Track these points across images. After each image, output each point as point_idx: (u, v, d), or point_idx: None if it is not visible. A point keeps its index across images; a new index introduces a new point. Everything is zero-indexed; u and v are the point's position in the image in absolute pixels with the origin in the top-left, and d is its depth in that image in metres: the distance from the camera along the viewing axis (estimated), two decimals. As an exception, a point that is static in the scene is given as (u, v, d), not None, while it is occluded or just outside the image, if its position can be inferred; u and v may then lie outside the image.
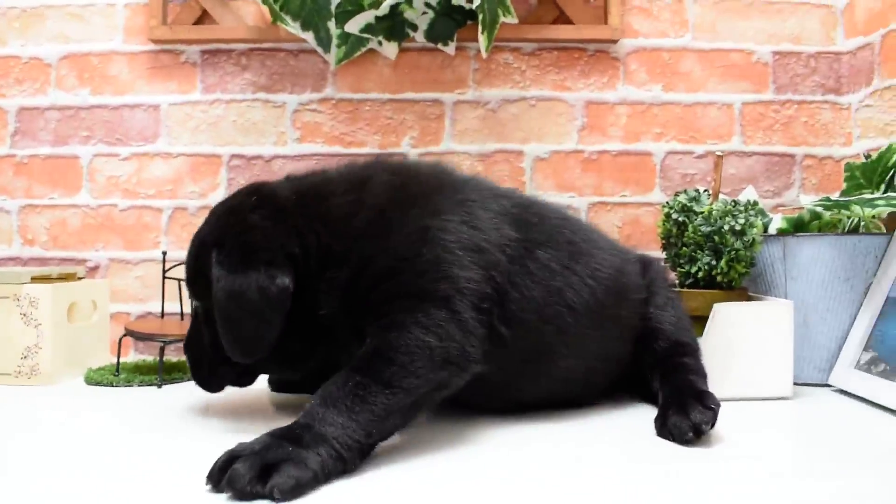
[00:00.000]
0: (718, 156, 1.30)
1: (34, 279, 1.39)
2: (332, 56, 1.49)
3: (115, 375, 1.37)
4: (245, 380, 1.10)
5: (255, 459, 0.73)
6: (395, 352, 0.84)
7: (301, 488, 0.72)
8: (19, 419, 1.10)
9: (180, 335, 1.39)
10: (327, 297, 0.96)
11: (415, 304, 0.89)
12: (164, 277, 1.45)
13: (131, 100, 1.57)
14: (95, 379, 1.38)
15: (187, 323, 1.41)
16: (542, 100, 1.54)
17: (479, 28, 1.43)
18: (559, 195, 1.53)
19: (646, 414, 1.04)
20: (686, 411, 0.93)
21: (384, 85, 1.55)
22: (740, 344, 1.17)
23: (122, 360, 1.51)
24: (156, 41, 1.55)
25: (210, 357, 1.04)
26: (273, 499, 0.70)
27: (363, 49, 1.50)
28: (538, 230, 1.04)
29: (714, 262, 1.25)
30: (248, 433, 0.86)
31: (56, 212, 1.58)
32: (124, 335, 1.39)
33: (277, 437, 0.77)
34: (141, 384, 1.36)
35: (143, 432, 1.00)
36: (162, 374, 1.35)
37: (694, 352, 1.13)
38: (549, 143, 1.53)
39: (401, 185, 1.01)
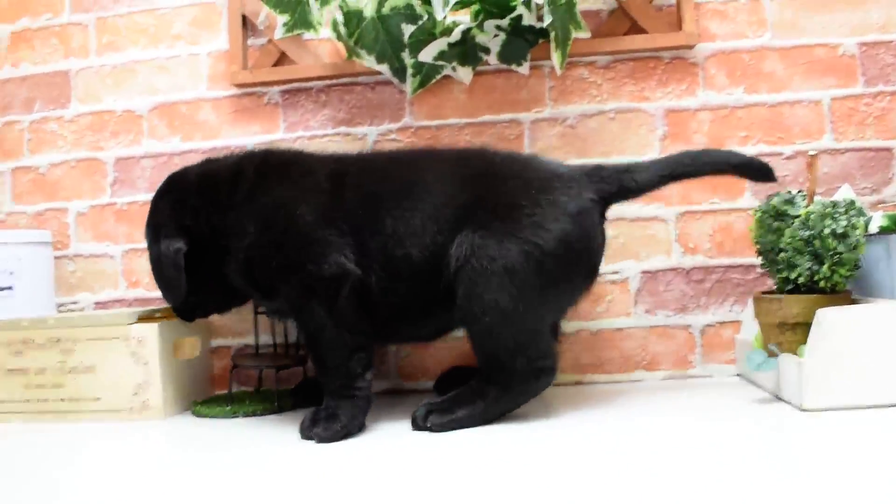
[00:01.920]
0: (812, 156, 1.26)
1: (140, 319, 1.46)
2: (409, 86, 1.52)
3: (226, 407, 1.42)
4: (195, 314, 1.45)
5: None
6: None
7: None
8: (145, 453, 1.16)
9: (287, 363, 1.45)
10: (227, 260, 1.30)
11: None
12: (255, 313, 1.51)
13: (219, 143, 1.64)
14: (205, 412, 1.43)
15: (286, 353, 1.46)
16: (621, 112, 1.53)
17: (552, 46, 1.43)
18: (645, 206, 1.51)
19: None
20: None
21: (461, 109, 1.56)
22: (848, 350, 1.13)
23: (221, 391, 1.57)
24: (238, 85, 1.62)
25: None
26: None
27: (438, 76, 1.52)
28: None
29: (816, 267, 1.21)
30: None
31: (156, 254, 1.66)
32: (234, 367, 1.44)
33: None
34: (246, 415, 1.41)
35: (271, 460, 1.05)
36: (281, 400, 1.43)
37: None
38: (632, 155, 1.51)
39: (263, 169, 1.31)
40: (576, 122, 1.54)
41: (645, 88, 1.52)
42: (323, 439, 1.15)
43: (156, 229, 1.34)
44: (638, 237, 1.52)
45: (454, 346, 1.55)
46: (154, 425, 1.38)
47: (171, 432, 1.33)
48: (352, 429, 1.18)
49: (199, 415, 1.43)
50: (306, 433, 1.18)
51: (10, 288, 1.54)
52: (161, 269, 1.33)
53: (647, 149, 1.52)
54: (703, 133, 1.51)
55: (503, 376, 1.19)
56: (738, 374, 1.49)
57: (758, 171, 1.31)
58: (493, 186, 1.22)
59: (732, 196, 1.50)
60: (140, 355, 1.43)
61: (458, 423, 1.19)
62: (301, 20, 1.55)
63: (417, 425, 1.20)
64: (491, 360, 1.19)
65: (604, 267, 1.49)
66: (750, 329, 1.42)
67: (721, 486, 0.82)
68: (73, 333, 1.45)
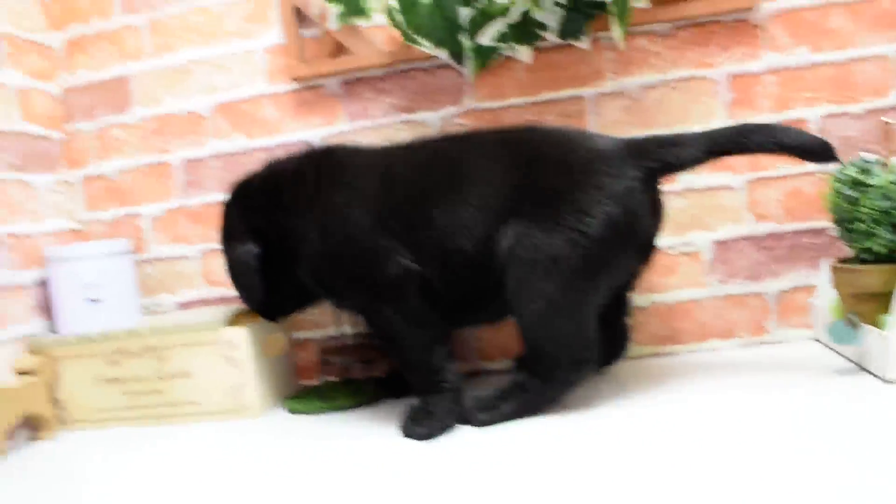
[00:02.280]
0: (887, 123, 1.24)
1: (229, 322, 1.51)
2: (468, 68, 1.51)
3: (320, 403, 1.48)
4: (278, 314, 1.47)
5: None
6: None
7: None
8: (261, 450, 1.20)
9: (377, 356, 1.49)
10: (298, 262, 1.33)
11: None
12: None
13: (283, 139, 1.65)
14: (300, 409, 1.49)
15: (371, 343, 1.50)
16: (684, 80, 1.51)
17: (612, 18, 1.41)
18: (714, 175, 1.50)
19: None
20: None
21: (522, 88, 1.56)
22: (936, 324, 1.14)
23: (306, 382, 1.63)
24: (297, 79, 1.62)
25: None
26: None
27: (497, 57, 1.51)
28: None
29: (895, 238, 1.21)
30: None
31: (231, 253, 1.70)
32: (325, 363, 1.49)
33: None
34: (340, 410, 1.47)
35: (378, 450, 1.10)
36: (374, 392, 1.48)
37: None
38: (697, 124, 1.50)
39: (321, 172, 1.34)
40: (639, 93, 1.52)
41: (707, 54, 1.50)
42: (423, 437, 1.20)
43: (228, 235, 1.39)
44: (707, 207, 1.52)
45: (529, 323, 1.58)
46: (252, 424, 1.45)
47: (270, 430, 1.39)
48: (448, 422, 1.23)
49: (293, 411, 1.49)
50: (408, 431, 1.23)
51: (99, 300, 1.59)
52: (237, 275, 1.37)
53: (713, 117, 1.50)
54: (769, 96, 1.49)
55: (546, 367, 1.23)
56: (815, 339, 1.51)
57: (815, 152, 1.21)
58: (536, 173, 1.21)
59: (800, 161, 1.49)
60: (233, 358, 1.49)
61: (505, 418, 1.24)
62: (354, 8, 1.54)
63: (464, 419, 1.25)
64: (536, 350, 1.23)
65: (675, 239, 1.51)
66: (824, 293, 1.43)
67: (806, 460, 0.85)
68: (166, 341, 1.51)
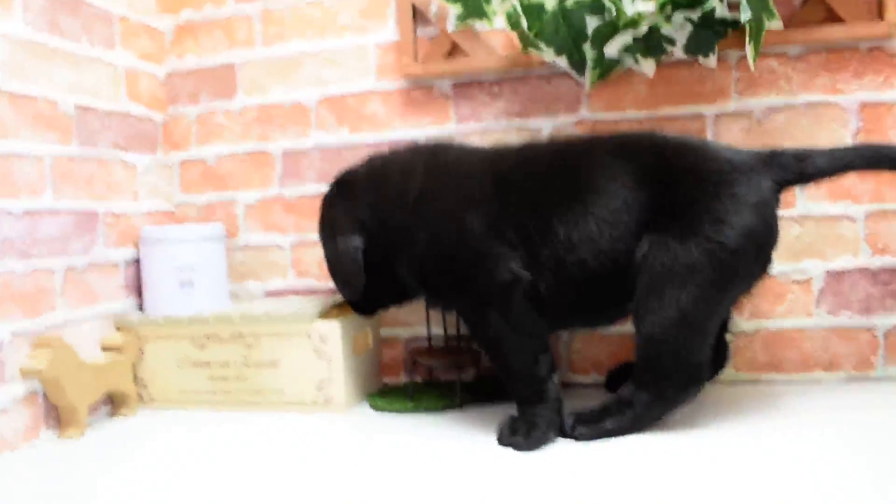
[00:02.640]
0: None
1: (321, 316, 1.48)
2: (588, 78, 1.48)
3: (407, 402, 1.44)
4: (373, 309, 1.46)
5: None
6: None
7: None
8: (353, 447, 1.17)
9: (467, 360, 1.46)
10: (399, 259, 1.31)
11: None
12: (427, 305, 1.52)
13: (388, 136, 1.64)
14: (385, 407, 1.45)
15: (460, 346, 1.47)
16: (812, 105, 1.46)
17: (747, 39, 1.37)
18: (832, 204, 1.46)
19: None
20: None
21: (641, 102, 1.52)
22: None
23: (390, 380, 1.59)
24: (408, 77, 1.60)
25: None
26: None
27: (619, 68, 1.48)
28: None
29: None
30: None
31: (325, 247, 1.68)
32: (414, 362, 1.45)
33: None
34: (427, 411, 1.43)
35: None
36: (460, 396, 1.44)
37: None
38: (822, 151, 1.45)
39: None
40: (763, 115, 1.48)
41: (839, 81, 1.45)
42: (523, 447, 1.16)
43: (332, 227, 1.36)
44: (824, 236, 1.47)
45: (627, 340, 1.54)
46: (336, 418, 1.42)
47: (355, 426, 1.36)
48: (550, 434, 1.19)
49: (378, 409, 1.46)
50: (506, 441, 1.19)
51: (190, 282, 1.58)
52: (339, 266, 1.35)
53: (839, 144, 1.45)
54: (900, 128, 1.44)
55: (659, 381, 1.18)
56: (923, 378, 1.45)
57: None
58: (669, 184, 1.19)
59: (929, 195, 1.44)
60: (323, 352, 1.46)
61: (606, 434, 1.19)
62: (474, 10, 1.52)
63: (565, 435, 1.20)
64: (652, 361, 1.18)
65: (787, 266, 1.46)
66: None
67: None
68: (256, 329, 1.49)
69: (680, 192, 1.18)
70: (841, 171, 1.23)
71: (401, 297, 1.43)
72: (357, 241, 1.33)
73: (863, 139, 1.45)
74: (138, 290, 1.65)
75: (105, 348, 1.53)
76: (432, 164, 1.32)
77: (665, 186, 1.19)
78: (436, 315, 1.56)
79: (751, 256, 1.18)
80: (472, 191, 1.26)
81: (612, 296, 1.23)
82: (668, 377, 1.18)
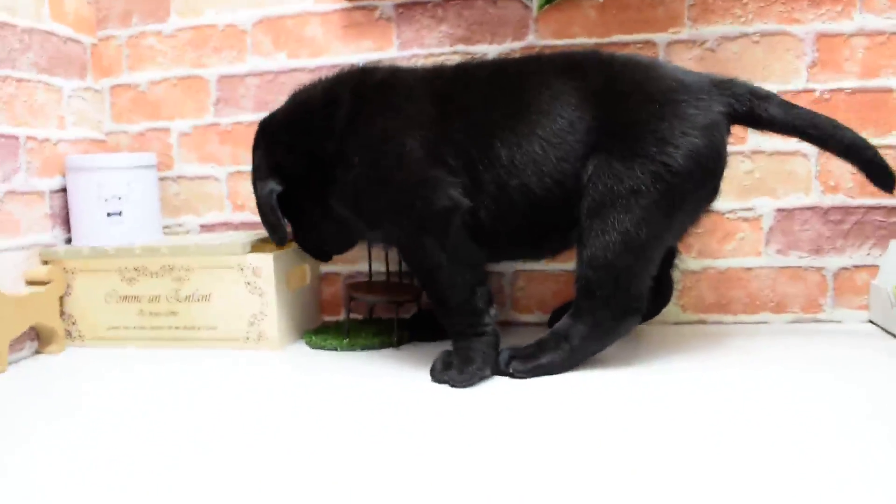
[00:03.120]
0: None
1: (254, 248, 1.42)
2: (535, 1, 1.41)
3: (343, 340, 1.40)
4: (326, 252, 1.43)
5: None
6: None
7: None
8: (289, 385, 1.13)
9: (407, 297, 1.41)
10: (331, 189, 1.25)
11: None
12: (369, 242, 1.46)
13: (328, 61, 1.55)
14: (321, 344, 1.41)
15: (401, 283, 1.42)
16: (767, 35, 1.40)
17: (700, -39, 1.30)
18: (785, 140, 1.40)
19: None
20: None
21: (591, 28, 1.45)
22: None
23: (329, 318, 1.55)
24: (349, -1, 1.52)
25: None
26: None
27: (568, -8, 1.41)
28: None
29: None
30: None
31: (262, 178, 1.61)
32: (351, 300, 1.40)
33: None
34: (364, 349, 1.39)
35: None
36: (398, 334, 1.40)
37: None
38: (775, 83, 1.39)
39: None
40: (716, 44, 1.42)
41: (795, 9, 1.39)
42: (458, 383, 1.12)
43: (254, 174, 1.32)
44: (775, 172, 1.42)
45: (570, 278, 1.49)
46: (270, 356, 1.37)
47: (289, 363, 1.32)
48: (485, 370, 1.15)
49: (314, 346, 1.41)
50: (439, 377, 1.15)
51: (119, 213, 1.51)
52: (261, 211, 1.30)
53: (793, 76, 1.40)
54: (856, 61, 1.38)
55: (596, 309, 1.14)
56: (870, 321, 1.42)
57: (879, 177, 1.21)
58: (615, 103, 1.14)
59: (883, 132, 1.39)
60: (255, 285, 1.40)
61: (542, 370, 1.15)
62: (417, -72, 1.43)
63: (499, 370, 1.16)
64: (591, 286, 1.13)
65: (736, 203, 1.42)
66: (889, 275, 1.34)
67: (843, 448, 0.77)
68: (186, 261, 1.43)
69: (625, 111, 1.13)
70: (791, 131, 1.20)
71: (346, 238, 1.37)
72: (272, 185, 1.28)
73: (818, 72, 1.39)
74: (67, 223, 1.57)
75: (30, 282, 1.46)
76: (361, 86, 1.25)
77: (611, 106, 1.14)
78: (378, 252, 1.50)
79: (697, 180, 1.13)
80: (411, 112, 1.19)
81: (555, 223, 1.18)
82: (606, 304, 1.14)
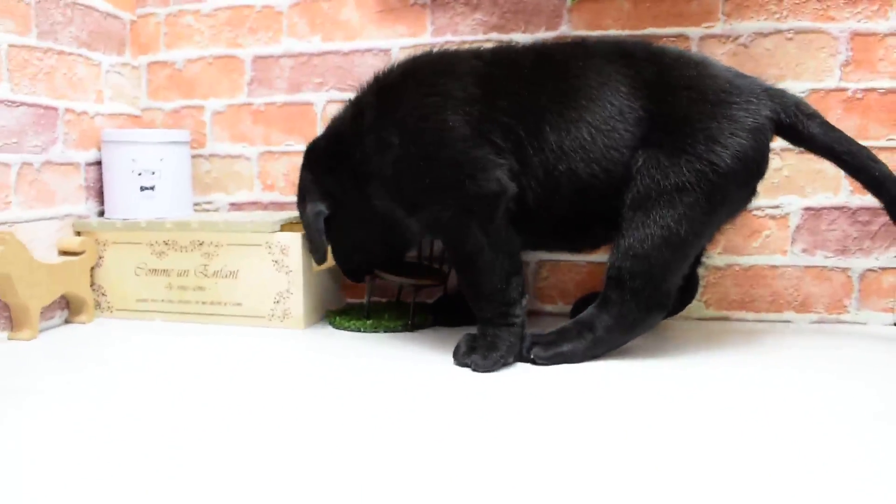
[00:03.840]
0: None
1: (283, 227, 1.44)
2: (569, -8, 1.41)
3: (366, 321, 1.41)
4: (355, 275, 1.44)
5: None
6: None
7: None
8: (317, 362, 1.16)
9: (433, 281, 1.41)
10: (372, 187, 1.25)
11: None
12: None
13: (362, 45, 1.57)
14: (344, 325, 1.42)
15: (429, 267, 1.43)
16: (801, 32, 1.40)
17: (737, -45, 1.30)
18: (815, 137, 1.40)
19: None
20: None
21: (624, 20, 1.45)
22: None
23: (353, 300, 1.56)
24: (385, -16, 1.53)
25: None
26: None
27: (602, -17, 1.41)
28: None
29: None
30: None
31: (293, 158, 1.62)
32: (374, 278, 1.42)
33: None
34: (386, 331, 1.40)
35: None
36: (414, 317, 1.41)
37: None
38: (808, 81, 1.39)
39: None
40: (749, 40, 1.42)
41: (831, 7, 1.38)
42: (480, 368, 1.13)
43: (300, 193, 1.35)
44: (804, 171, 1.42)
45: (595, 270, 1.51)
46: (294, 333, 1.39)
47: (312, 342, 1.33)
48: (509, 359, 1.15)
49: (337, 326, 1.43)
50: (462, 360, 1.15)
51: (152, 188, 1.53)
52: (308, 230, 1.32)
53: (826, 74, 1.39)
54: (891, 61, 1.37)
55: (624, 300, 1.14)
56: (894, 324, 1.41)
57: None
58: (667, 97, 1.14)
59: (916, 132, 1.38)
60: (283, 263, 1.42)
61: (563, 358, 1.16)
62: (455, -85, 1.44)
63: (521, 356, 1.16)
64: (623, 277, 1.13)
65: (764, 201, 1.42)
66: (921, 277, 1.33)
67: (862, 450, 0.77)
68: (216, 237, 1.45)
69: (677, 105, 1.13)
70: (826, 153, 1.21)
71: (386, 241, 1.36)
72: (320, 207, 1.30)
73: (851, 71, 1.39)
74: (100, 195, 1.60)
75: (62, 251, 1.49)
76: (383, 84, 1.26)
77: (662, 99, 1.14)
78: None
79: (740, 181, 1.14)
80: (455, 91, 1.18)
81: (600, 212, 1.17)
82: (635, 296, 1.14)
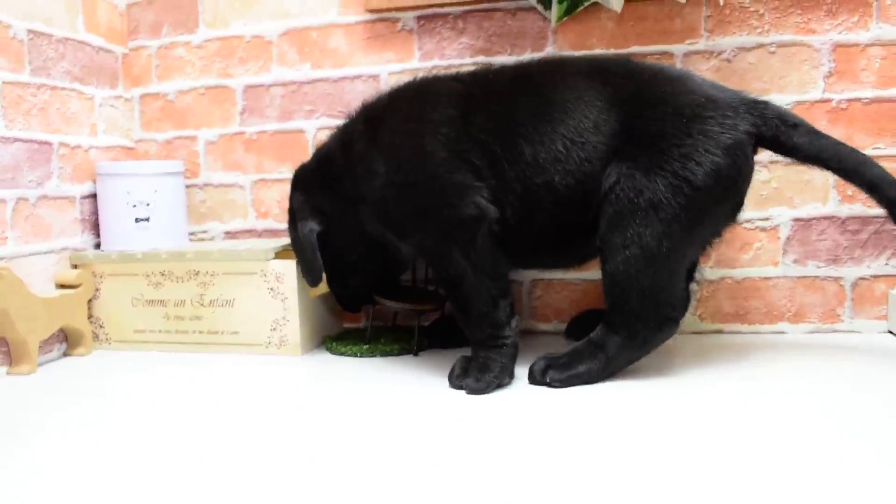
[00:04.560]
0: None
1: (277, 255, 1.45)
2: (553, 13, 1.43)
3: (363, 346, 1.42)
4: (349, 303, 1.46)
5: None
6: None
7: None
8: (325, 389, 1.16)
9: (431, 305, 1.42)
10: (363, 210, 1.28)
11: None
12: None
13: (351, 72, 1.59)
14: (341, 350, 1.43)
15: (425, 290, 1.44)
16: (783, 45, 1.41)
17: (717, -27, 1.32)
18: (802, 149, 1.41)
19: None
20: None
21: (608, 40, 1.47)
22: None
23: (350, 325, 1.57)
24: (371, 11, 1.55)
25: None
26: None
27: (586, 3, 1.43)
28: None
29: None
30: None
31: (286, 185, 1.64)
32: (374, 306, 1.42)
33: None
34: (383, 355, 1.41)
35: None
36: (417, 342, 1.41)
37: None
38: (792, 93, 1.41)
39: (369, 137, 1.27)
40: (732, 55, 1.43)
41: (812, 20, 1.40)
42: (474, 391, 1.13)
43: (291, 215, 1.37)
44: (793, 182, 1.43)
45: (589, 287, 1.52)
46: (292, 360, 1.39)
47: (309, 368, 1.34)
48: (503, 380, 1.16)
49: (334, 352, 1.44)
50: (456, 382, 1.16)
51: (147, 219, 1.55)
52: (300, 250, 1.34)
53: (810, 86, 1.41)
54: (873, 71, 1.39)
55: (629, 322, 1.14)
56: (889, 332, 1.42)
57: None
58: (641, 111, 1.14)
59: (901, 140, 1.39)
60: (278, 291, 1.43)
61: (579, 379, 1.15)
62: (438, -58, 1.46)
63: (535, 380, 1.16)
64: (620, 302, 1.14)
65: (754, 213, 1.43)
66: (912, 284, 1.34)
67: (861, 460, 0.78)
68: (211, 267, 1.46)
69: (652, 121, 1.13)
70: (815, 161, 1.18)
71: (380, 264, 1.39)
72: (312, 225, 1.32)
73: (834, 82, 1.40)
74: (96, 228, 1.62)
75: (59, 285, 1.50)
76: (371, 112, 1.29)
77: (638, 114, 1.14)
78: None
79: (717, 197, 1.13)
80: (433, 115, 1.20)
81: (580, 223, 1.18)
82: (637, 318, 1.14)
